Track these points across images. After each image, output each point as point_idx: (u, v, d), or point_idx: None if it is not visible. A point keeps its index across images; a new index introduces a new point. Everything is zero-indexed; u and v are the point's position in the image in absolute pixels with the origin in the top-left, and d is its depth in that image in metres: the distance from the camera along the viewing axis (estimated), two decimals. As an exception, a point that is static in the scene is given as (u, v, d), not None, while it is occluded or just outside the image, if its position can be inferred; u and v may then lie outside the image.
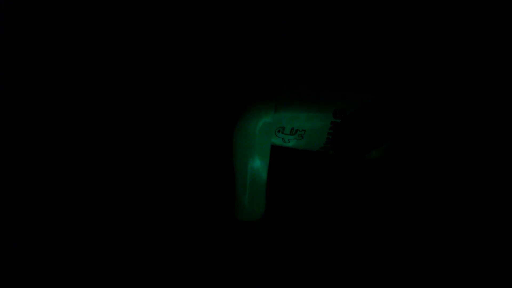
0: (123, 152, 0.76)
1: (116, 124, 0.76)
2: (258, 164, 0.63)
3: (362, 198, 0.74)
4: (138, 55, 0.74)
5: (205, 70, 0.75)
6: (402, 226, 0.68)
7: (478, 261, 0.61)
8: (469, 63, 0.71)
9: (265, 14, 0.72)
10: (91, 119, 0.75)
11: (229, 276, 0.59)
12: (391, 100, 0.65)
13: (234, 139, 0.61)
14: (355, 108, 0.63)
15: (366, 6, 0.72)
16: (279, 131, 0.64)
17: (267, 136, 0.62)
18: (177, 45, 0.74)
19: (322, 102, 0.62)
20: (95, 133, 0.75)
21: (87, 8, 0.71)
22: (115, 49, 0.74)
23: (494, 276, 0.58)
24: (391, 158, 0.75)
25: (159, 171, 0.75)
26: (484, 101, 0.71)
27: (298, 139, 0.65)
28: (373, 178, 0.77)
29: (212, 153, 0.75)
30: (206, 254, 0.62)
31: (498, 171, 0.69)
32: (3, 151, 0.71)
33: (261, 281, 0.59)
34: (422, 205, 0.71)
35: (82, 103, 0.75)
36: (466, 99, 0.72)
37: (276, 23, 0.73)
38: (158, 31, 0.73)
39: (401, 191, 0.73)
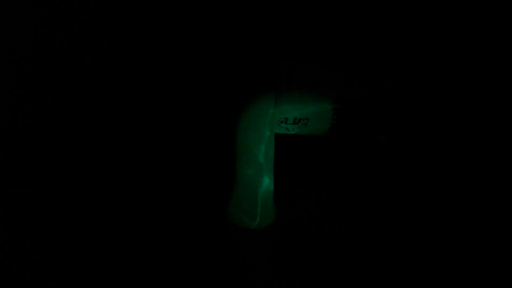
0: (123, 152, 0.76)
1: (116, 124, 0.76)
2: (267, 182, 0.63)
3: (363, 198, 0.74)
4: (139, 57, 0.74)
5: (203, 71, 0.75)
6: (405, 226, 0.68)
7: (478, 261, 0.61)
8: (467, 63, 0.72)
9: (265, 14, 0.72)
10: (90, 119, 0.75)
11: (236, 281, 0.58)
12: (387, 95, 0.66)
13: (238, 156, 0.61)
14: (355, 95, 0.63)
15: (363, 6, 0.73)
16: (282, 121, 0.63)
17: (271, 145, 0.62)
18: (175, 45, 0.74)
19: (321, 91, 0.62)
20: (94, 133, 0.75)
21: (87, 7, 0.71)
22: (116, 49, 0.74)
23: (494, 277, 0.59)
24: (391, 158, 0.75)
25: (162, 174, 0.75)
26: (483, 101, 0.71)
27: (302, 127, 0.65)
28: (373, 178, 0.77)
29: (216, 156, 0.75)
30: (211, 259, 0.61)
31: (498, 171, 0.70)
32: (3, 151, 0.71)
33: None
34: (423, 205, 0.71)
35: (82, 103, 0.74)
36: (465, 99, 0.72)
37: (276, 23, 0.74)
38: (159, 33, 0.73)
39: (402, 192, 0.74)
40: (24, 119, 0.72)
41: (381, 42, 0.73)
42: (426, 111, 0.72)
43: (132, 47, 0.73)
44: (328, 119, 0.64)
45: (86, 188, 0.72)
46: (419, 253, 0.62)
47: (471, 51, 0.71)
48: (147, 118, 0.76)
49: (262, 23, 0.72)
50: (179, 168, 0.76)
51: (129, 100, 0.75)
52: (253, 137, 0.60)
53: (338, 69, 0.67)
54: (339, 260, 0.61)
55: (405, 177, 0.75)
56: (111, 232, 0.65)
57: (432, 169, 0.74)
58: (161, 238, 0.64)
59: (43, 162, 0.72)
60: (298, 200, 0.74)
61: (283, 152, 0.72)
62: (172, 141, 0.76)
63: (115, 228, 0.65)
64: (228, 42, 0.73)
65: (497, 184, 0.69)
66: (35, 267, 0.58)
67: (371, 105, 0.65)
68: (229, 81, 0.71)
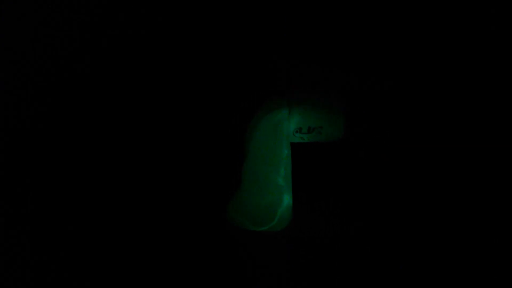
0: (123, 153, 0.75)
1: (116, 125, 0.76)
2: (287, 200, 0.63)
3: (365, 198, 0.74)
4: (139, 57, 0.74)
5: (203, 73, 0.75)
6: (406, 226, 0.68)
7: (479, 261, 0.61)
8: (466, 63, 0.72)
9: (266, 16, 0.72)
10: (90, 119, 0.75)
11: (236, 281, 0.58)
12: (387, 95, 0.66)
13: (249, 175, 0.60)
14: (356, 95, 0.64)
15: (364, 7, 0.73)
16: (297, 131, 0.64)
17: (289, 161, 0.62)
18: (174, 46, 0.74)
19: (331, 97, 0.62)
20: (94, 133, 0.75)
21: (87, 7, 0.71)
22: (116, 49, 0.74)
23: (494, 277, 0.59)
24: (392, 158, 0.75)
25: (163, 178, 0.75)
26: (483, 101, 0.71)
27: (317, 135, 0.66)
28: (374, 177, 0.77)
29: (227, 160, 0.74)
30: (211, 259, 0.61)
31: (498, 171, 0.70)
32: (3, 151, 0.71)
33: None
34: (425, 204, 0.71)
35: (82, 103, 0.74)
36: (465, 99, 0.72)
37: (276, 25, 0.73)
38: (159, 33, 0.73)
39: (403, 191, 0.73)
40: (24, 119, 0.72)
41: (381, 42, 0.73)
42: (426, 111, 0.72)
43: (132, 47, 0.73)
44: (341, 125, 0.65)
45: (86, 188, 0.72)
46: (421, 252, 0.62)
47: (471, 51, 0.71)
48: (146, 119, 0.76)
49: (262, 23, 0.72)
50: (180, 170, 0.76)
51: (129, 101, 0.75)
52: (271, 163, 0.59)
53: (338, 69, 0.67)
54: (342, 261, 0.61)
55: (406, 176, 0.75)
56: (111, 232, 0.65)
57: (432, 168, 0.74)
58: (162, 239, 0.64)
59: (43, 162, 0.72)
60: (302, 201, 0.73)
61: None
62: (173, 144, 0.76)
63: (116, 229, 0.65)
64: (230, 44, 0.73)
65: (498, 184, 0.69)
66: (35, 267, 0.58)
67: (372, 104, 0.65)
68: (232, 85, 0.71)
